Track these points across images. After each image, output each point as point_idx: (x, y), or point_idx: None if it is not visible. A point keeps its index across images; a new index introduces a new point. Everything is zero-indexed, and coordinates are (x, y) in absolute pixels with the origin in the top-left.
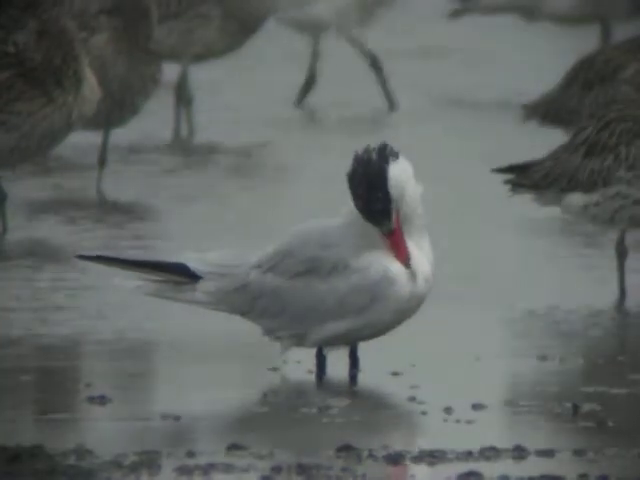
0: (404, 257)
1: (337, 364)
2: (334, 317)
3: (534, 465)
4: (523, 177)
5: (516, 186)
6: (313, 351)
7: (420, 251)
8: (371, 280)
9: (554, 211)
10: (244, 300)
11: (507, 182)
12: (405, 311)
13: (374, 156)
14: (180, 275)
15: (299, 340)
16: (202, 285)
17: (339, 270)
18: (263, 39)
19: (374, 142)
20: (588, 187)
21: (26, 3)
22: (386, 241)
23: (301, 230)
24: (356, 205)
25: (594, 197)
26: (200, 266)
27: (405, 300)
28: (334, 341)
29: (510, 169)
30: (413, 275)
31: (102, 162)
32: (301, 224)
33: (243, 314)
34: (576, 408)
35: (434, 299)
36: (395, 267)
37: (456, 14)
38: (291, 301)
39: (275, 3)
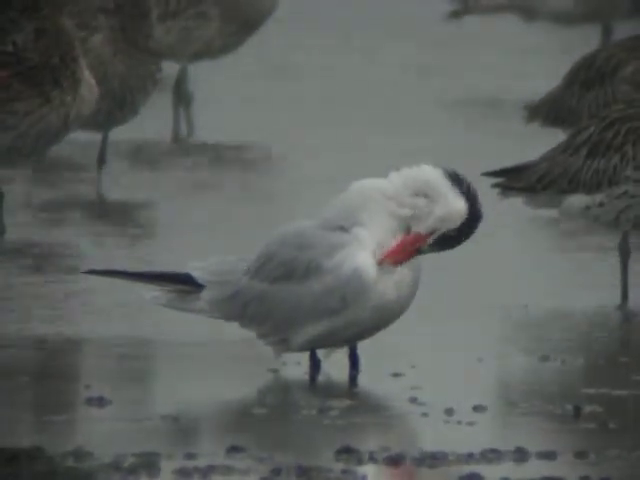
0: (395, 258)
1: (337, 365)
2: (313, 319)
3: (535, 467)
4: (515, 180)
5: (506, 189)
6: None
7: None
8: (343, 278)
9: (553, 212)
10: (236, 307)
11: (495, 185)
12: (386, 308)
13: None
14: (186, 285)
15: (286, 345)
16: (204, 294)
17: (312, 271)
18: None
19: (373, 141)
20: (591, 188)
21: (24, 5)
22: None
23: (280, 233)
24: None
25: (597, 198)
26: (203, 275)
27: (382, 297)
28: (319, 344)
29: (501, 172)
30: (387, 270)
31: (101, 162)
32: (282, 226)
33: (237, 321)
34: (578, 410)
35: (435, 300)
36: (367, 265)
37: (455, 15)
38: (274, 306)
39: (274, 2)
